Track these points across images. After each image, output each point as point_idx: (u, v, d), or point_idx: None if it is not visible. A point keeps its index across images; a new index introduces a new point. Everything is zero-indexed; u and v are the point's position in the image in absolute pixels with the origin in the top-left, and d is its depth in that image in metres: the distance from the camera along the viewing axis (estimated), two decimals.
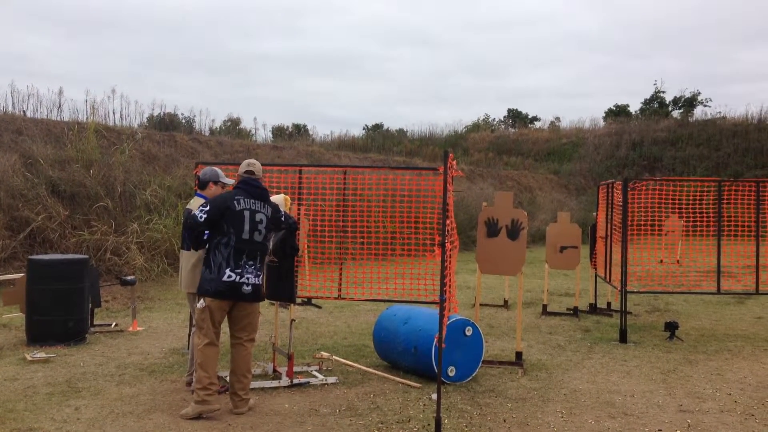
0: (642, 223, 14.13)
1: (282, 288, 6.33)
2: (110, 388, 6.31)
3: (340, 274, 8.16)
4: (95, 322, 9.03)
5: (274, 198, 6.61)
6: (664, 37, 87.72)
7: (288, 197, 6.57)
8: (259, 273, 5.60)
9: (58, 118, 18.47)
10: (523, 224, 7.59)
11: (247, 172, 5.81)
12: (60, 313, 8.02)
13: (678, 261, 18.47)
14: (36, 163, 14.04)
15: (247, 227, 5.51)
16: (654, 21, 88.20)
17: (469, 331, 6.82)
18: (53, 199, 13.45)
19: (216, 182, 6.19)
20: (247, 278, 5.51)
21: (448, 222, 6.08)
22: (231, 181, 6.24)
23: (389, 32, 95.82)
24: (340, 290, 8.07)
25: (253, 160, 5.93)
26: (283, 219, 5.85)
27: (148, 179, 15.36)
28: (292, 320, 6.64)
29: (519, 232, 7.58)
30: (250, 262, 5.52)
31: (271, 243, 5.93)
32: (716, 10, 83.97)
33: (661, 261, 18.00)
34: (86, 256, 8.96)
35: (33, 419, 5.41)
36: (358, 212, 9.51)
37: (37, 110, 19.20)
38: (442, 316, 5.34)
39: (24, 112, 18.60)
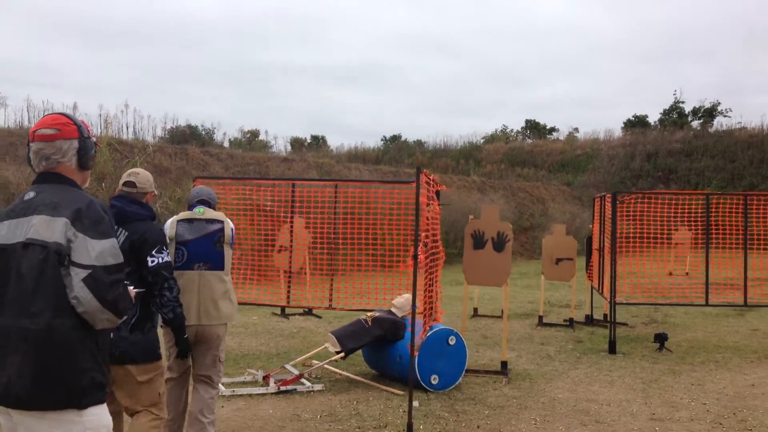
0: (643, 235, 14.25)
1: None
2: None
3: (331, 286, 8.41)
4: None
5: None
6: (687, 46, 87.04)
7: None
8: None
9: None
10: (508, 237, 7.79)
11: (124, 184, 4.22)
12: None
13: (687, 273, 18.46)
14: None
15: None
16: (677, 30, 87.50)
17: (452, 341, 7.02)
18: None
19: None
20: None
21: (429, 234, 6.34)
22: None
23: (411, 42, 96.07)
24: (331, 301, 8.31)
25: (136, 169, 4.34)
26: (151, 261, 3.96)
27: (158, 192, 15.77)
28: None
29: (504, 244, 7.78)
30: None
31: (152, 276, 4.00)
32: (742, 17, 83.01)
33: (671, 273, 18.02)
34: None
35: None
36: (349, 225, 9.73)
37: None
38: (414, 323, 5.58)
39: None
